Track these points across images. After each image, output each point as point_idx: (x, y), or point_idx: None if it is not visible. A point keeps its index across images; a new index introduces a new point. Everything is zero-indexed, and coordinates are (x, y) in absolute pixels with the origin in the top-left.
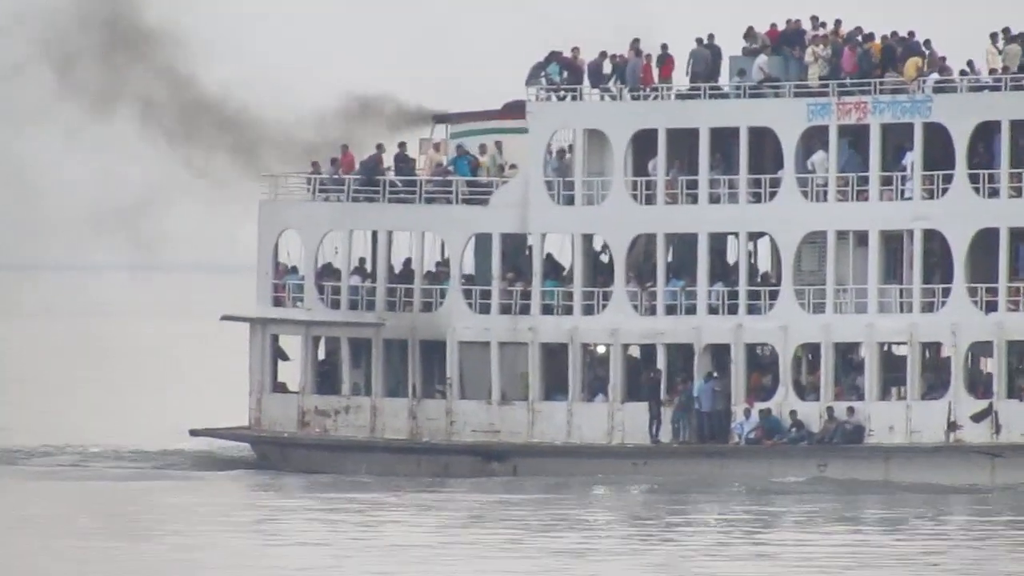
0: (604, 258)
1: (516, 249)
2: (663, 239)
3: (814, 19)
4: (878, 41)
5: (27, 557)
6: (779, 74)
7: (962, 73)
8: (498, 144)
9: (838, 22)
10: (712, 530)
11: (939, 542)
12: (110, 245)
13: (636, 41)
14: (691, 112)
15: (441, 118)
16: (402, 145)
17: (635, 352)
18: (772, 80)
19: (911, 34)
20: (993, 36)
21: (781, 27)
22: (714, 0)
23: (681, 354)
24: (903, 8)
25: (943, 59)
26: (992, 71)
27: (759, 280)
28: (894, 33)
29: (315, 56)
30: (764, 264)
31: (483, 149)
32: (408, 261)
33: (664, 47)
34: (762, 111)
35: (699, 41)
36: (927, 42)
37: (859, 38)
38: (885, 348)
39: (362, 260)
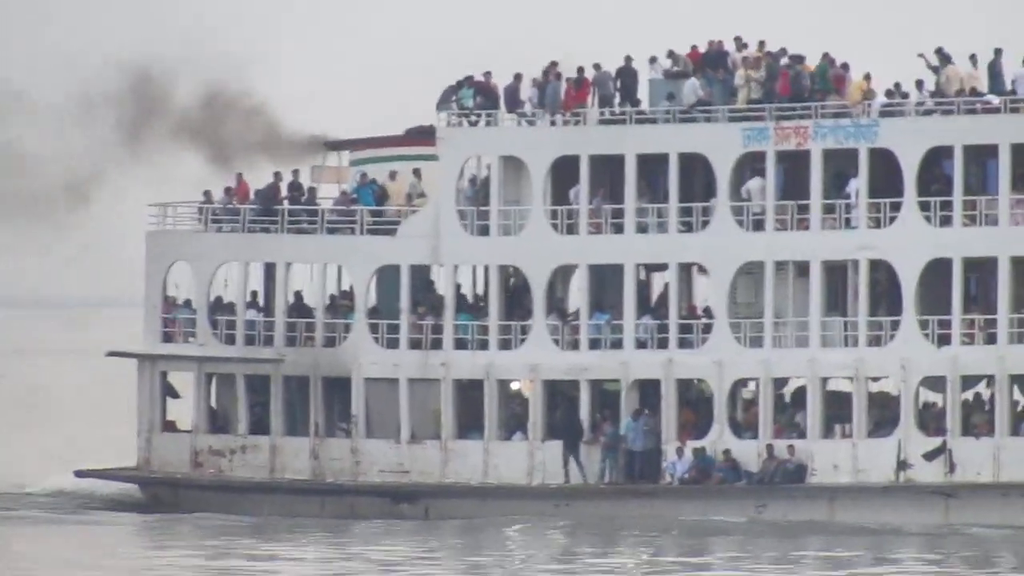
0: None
1: (423, 282)
2: (586, 271)
3: (738, 39)
4: (809, 63)
5: None
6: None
7: (903, 95)
8: (416, 172)
9: (762, 43)
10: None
11: None
12: None
13: (555, 64)
14: (616, 138)
15: (334, 145)
16: (295, 173)
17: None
18: (706, 103)
19: (845, 65)
20: (922, 56)
21: (702, 48)
22: (619, 23)
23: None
24: (818, 27)
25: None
26: (936, 94)
27: (701, 314)
28: (825, 54)
29: None
30: (702, 297)
31: (393, 175)
32: (299, 294)
33: (580, 70)
34: (694, 137)
35: (596, 67)
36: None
37: (787, 59)
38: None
39: (254, 293)
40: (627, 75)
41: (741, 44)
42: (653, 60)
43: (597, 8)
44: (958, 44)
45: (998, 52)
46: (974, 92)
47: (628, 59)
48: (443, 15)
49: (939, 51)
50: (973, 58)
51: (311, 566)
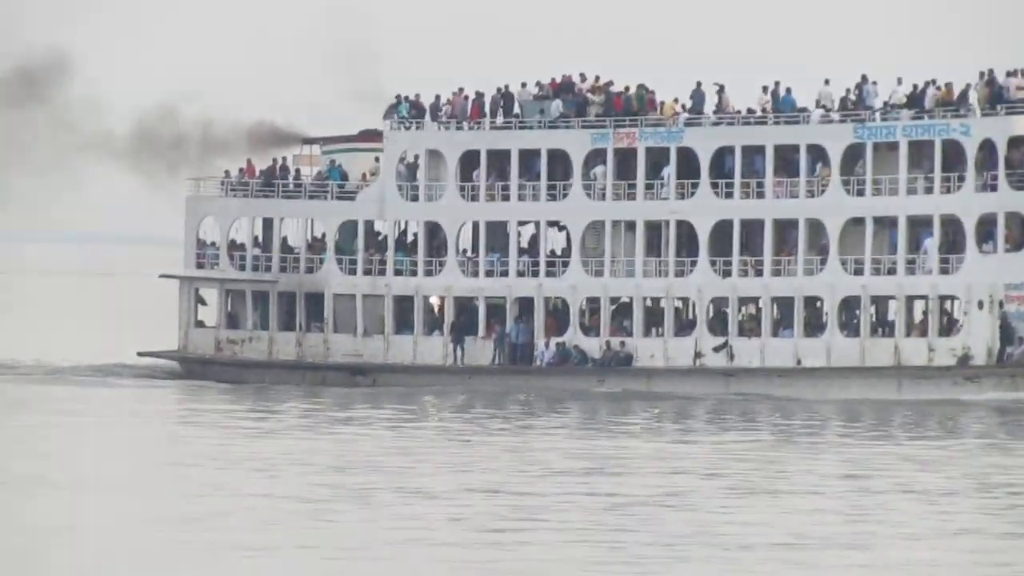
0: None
1: (372, 231)
2: (484, 225)
3: (582, 75)
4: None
5: None
6: (566, 112)
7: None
8: (377, 159)
9: (597, 77)
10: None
11: (688, 439)
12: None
13: (462, 89)
14: (505, 138)
15: (309, 140)
16: (284, 159)
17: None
18: (566, 115)
19: (653, 92)
20: (764, 88)
21: (558, 79)
22: (500, 58)
23: (497, 304)
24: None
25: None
26: (726, 111)
27: (556, 254)
28: (640, 85)
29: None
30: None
31: (378, 159)
32: (286, 239)
33: (480, 94)
34: (559, 138)
35: (479, 94)
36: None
37: (615, 88)
38: (648, 302)
39: (256, 238)
40: (507, 97)
41: (583, 77)
42: (524, 85)
43: (481, 48)
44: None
45: (778, 84)
46: (751, 111)
47: (505, 86)
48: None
49: (719, 86)
50: (765, 88)
51: (294, 414)
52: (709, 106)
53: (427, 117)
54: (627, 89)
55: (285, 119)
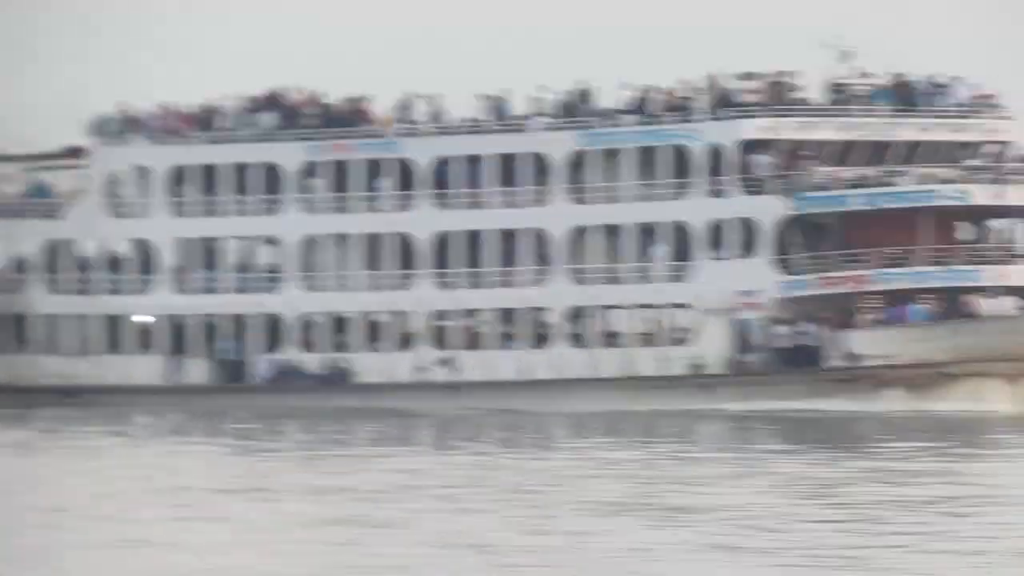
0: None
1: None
2: (195, 241)
3: (290, 87)
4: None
5: None
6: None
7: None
8: (83, 176)
9: (307, 89)
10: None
11: (412, 455)
12: None
13: (169, 104)
14: (215, 153)
15: (7, 158)
16: None
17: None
18: (278, 129)
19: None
20: (482, 96)
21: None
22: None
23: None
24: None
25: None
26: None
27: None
28: (351, 96)
29: None
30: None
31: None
32: None
33: (182, 107)
34: (271, 151)
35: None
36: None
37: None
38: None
39: None
40: (212, 111)
41: (291, 90)
42: (229, 99)
43: (185, 61)
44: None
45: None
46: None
47: (210, 100)
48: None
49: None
50: (483, 96)
51: None
52: (418, 116)
53: (134, 132)
54: (339, 101)
55: None
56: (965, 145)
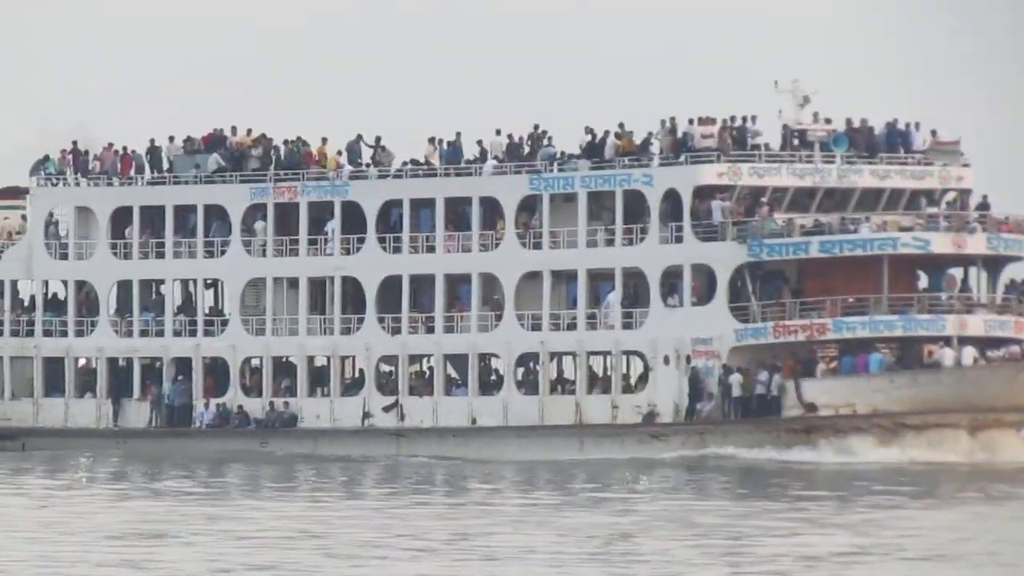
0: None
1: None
2: (137, 284)
3: (233, 128)
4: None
5: None
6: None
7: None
8: (24, 216)
9: (249, 130)
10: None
11: (356, 499)
12: None
13: (111, 144)
14: (158, 194)
15: None
16: None
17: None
18: (224, 169)
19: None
20: (431, 140)
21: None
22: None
23: (152, 364)
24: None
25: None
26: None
27: (219, 313)
28: (299, 138)
29: None
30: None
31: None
32: None
33: (124, 148)
34: (216, 193)
35: (124, 149)
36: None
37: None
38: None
39: None
40: (154, 152)
41: (234, 130)
42: (171, 139)
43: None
44: None
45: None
46: (416, 163)
47: (152, 140)
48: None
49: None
50: (432, 140)
51: None
52: (365, 158)
53: (76, 173)
54: (285, 142)
55: None
56: (924, 192)
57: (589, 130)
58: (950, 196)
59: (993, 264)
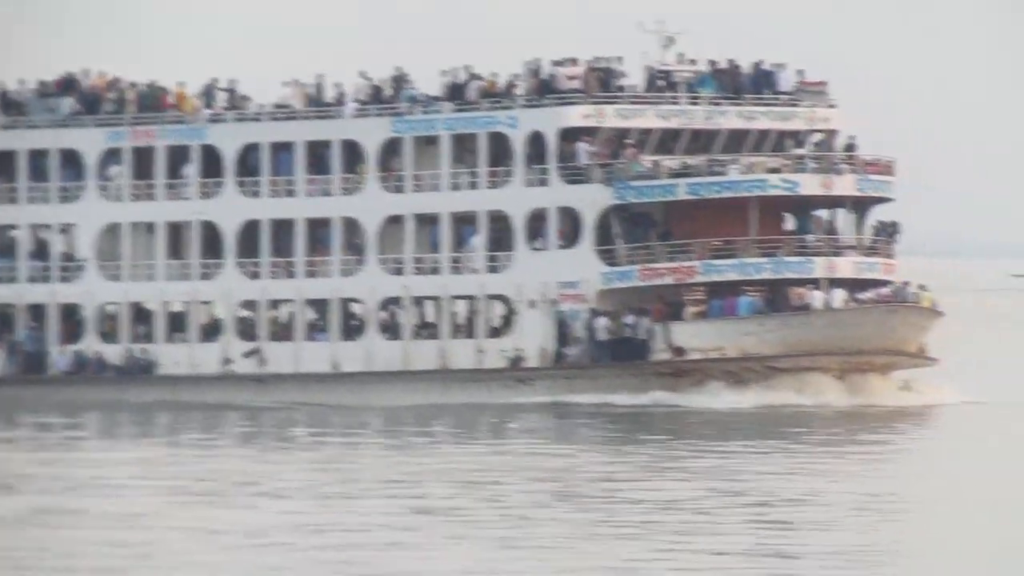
0: None
1: None
2: None
3: (86, 71)
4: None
5: None
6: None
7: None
8: None
9: (104, 73)
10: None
11: (208, 446)
12: None
13: None
14: (11, 138)
15: None
16: None
17: None
18: (80, 113)
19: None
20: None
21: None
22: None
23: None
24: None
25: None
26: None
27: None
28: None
29: None
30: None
31: None
32: None
33: None
34: (71, 137)
35: None
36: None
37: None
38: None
39: None
40: (5, 96)
41: (87, 74)
42: (22, 82)
43: None
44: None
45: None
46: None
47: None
48: None
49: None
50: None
51: None
52: (220, 103)
53: None
54: (133, 85)
55: None
56: (791, 134)
57: (447, 72)
58: (816, 137)
59: (860, 206)
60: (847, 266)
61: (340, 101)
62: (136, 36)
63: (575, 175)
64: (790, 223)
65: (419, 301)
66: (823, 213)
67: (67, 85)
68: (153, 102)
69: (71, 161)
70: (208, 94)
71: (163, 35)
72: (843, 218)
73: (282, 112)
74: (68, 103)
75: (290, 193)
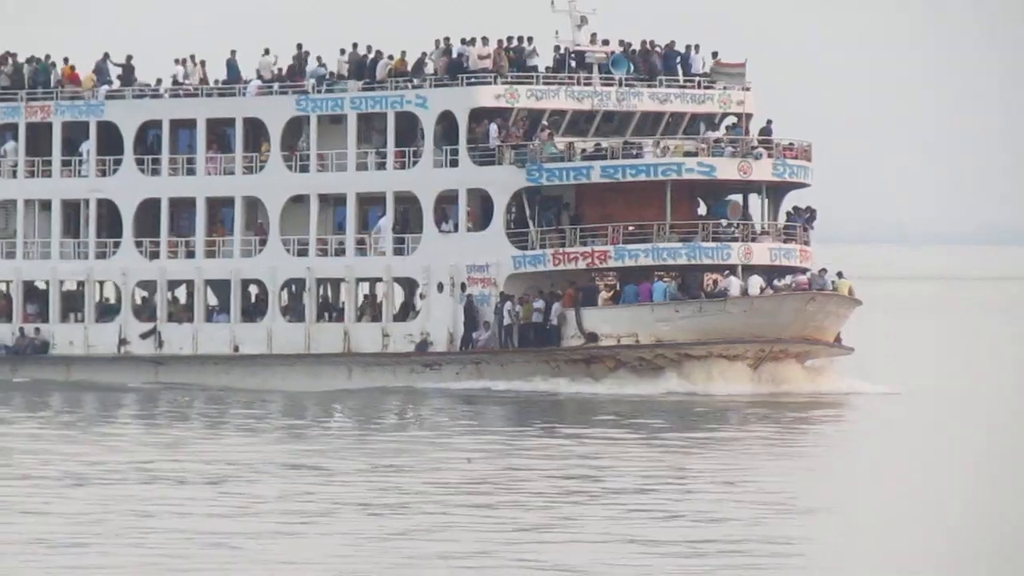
0: None
1: None
2: None
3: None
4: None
5: None
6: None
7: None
8: None
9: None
10: None
11: (116, 427)
12: None
13: None
14: None
15: None
16: None
17: None
18: None
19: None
20: (188, 60)
21: None
22: None
23: None
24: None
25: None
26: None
27: None
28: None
29: None
30: None
31: None
32: None
33: None
34: None
35: None
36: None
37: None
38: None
39: None
40: None
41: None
42: None
43: None
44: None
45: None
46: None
47: None
48: None
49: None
50: (189, 60)
51: None
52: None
53: None
54: (29, 61)
55: None
56: (705, 116)
57: (344, 51)
58: (730, 121)
59: (775, 191)
60: (763, 252)
61: (233, 76)
62: (24, 10)
63: (486, 156)
64: (701, 208)
65: (323, 283)
66: (737, 198)
67: None
68: (43, 77)
69: None
70: (100, 70)
71: (51, 10)
72: (756, 203)
73: (183, 89)
74: None
75: (190, 171)
